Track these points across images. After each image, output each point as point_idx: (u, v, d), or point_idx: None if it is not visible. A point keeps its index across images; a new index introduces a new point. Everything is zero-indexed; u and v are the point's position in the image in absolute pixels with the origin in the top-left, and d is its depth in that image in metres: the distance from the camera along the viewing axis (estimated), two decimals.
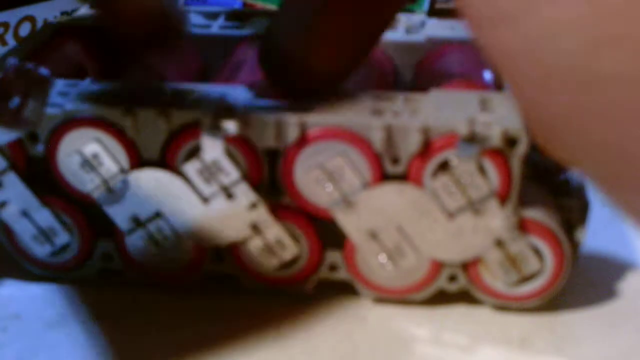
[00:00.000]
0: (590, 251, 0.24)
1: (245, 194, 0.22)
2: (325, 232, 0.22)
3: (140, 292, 0.23)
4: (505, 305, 0.22)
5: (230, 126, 0.21)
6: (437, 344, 0.21)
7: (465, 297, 0.23)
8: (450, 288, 0.22)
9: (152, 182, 0.22)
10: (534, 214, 0.21)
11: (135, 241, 0.23)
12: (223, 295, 0.23)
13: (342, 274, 0.23)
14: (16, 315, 0.23)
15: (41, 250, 0.23)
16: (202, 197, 0.22)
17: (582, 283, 0.23)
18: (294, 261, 0.22)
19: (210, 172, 0.21)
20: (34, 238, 0.23)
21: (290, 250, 0.22)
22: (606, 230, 0.25)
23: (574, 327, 0.22)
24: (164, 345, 0.22)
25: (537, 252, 0.21)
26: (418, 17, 0.27)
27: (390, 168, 0.21)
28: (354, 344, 0.21)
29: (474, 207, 0.21)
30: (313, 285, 0.23)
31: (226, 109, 0.21)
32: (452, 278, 0.22)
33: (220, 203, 0.22)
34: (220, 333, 0.22)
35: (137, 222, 0.22)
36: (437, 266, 0.22)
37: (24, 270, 0.24)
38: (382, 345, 0.21)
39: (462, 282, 0.22)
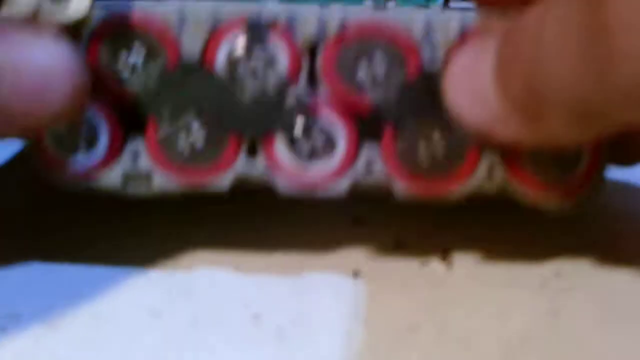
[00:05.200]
0: (591, 251, 0.24)
1: (281, 82, 0.22)
2: (363, 130, 0.22)
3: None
4: (544, 205, 0.22)
5: (272, 18, 0.22)
6: (437, 342, 0.21)
7: (467, 297, 0.23)
8: (489, 185, 0.22)
9: (189, 75, 0.22)
10: None
11: (167, 136, 0.22)
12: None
13: (378, 171, 0.22)
14: (16, 315, 0.23)
15: (67, 151, 0.23)
16: (239, 88, 0.22)
17: (583, 283, 0.23)
18: (330, 155, 0.22)
19: (251, 62, 0.22)
20: (61, 137, 0.23)
21: (328, 141, 0.22)
22: (607, 230, 0.25)
23: (575, 327, 0.22)
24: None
25: None
26: None
27: (428, 63, 0.22)
28: (354, 342, 0.21)
29: None
30: (349, 186, 0.22)
31: (269, 3, 0.22)
32: (491, 171, 0.22)
33: (257, 94, 0.22)
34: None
35: (172, 116, 0.22)
36: (476, 156, 0.22)
37: (23, 270, 0.24)
38: (382, 343, 0.21)
39: (500, 176, 0.22)
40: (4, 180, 0.29)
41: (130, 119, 0.23)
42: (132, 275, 0.24)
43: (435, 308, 0.23)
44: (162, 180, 0.23)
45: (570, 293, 0.23)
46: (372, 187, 0.23)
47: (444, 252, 0.24)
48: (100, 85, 0.22)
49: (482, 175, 0.22)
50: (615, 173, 0.25)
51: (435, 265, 0.24)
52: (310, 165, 0.22)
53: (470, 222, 0.25)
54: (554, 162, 0.22)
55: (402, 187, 0.22)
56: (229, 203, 0.26)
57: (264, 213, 0.26)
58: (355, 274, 0.24)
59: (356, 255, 0.24)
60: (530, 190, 0.22)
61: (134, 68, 0.22)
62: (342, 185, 0.22)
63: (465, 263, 0.24)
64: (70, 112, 0.20)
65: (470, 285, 0.23)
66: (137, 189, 0.23)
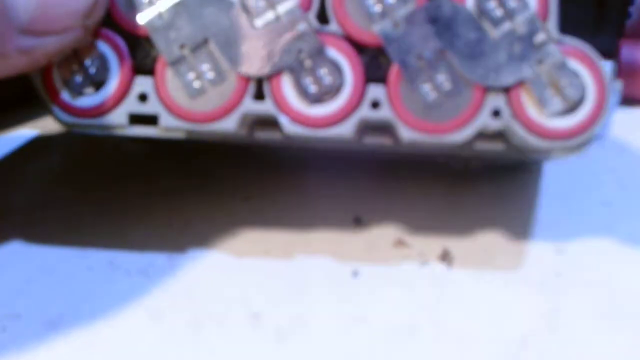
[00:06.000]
0: (591, 251, 0.24)
1: (292, 13, 0.22)
2: (369, 68, 0.22)
3: None
4: (549, 147, 0.22)
5: None
6: (437, 342, 0.21)
7: (467, 297, 0.23)
8: (493, 125, 0.22)
9: (203, 5, 0.22)
10: (574, 41, 0.22)
11: (176, 74, 0.22)
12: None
13: (384, 112, 0.22)
14: (16, 315, 0.23)
15: (75, 89, 0.23)
16: (252, 16, 0.22)
17: (584, 283, 0.23)
18: (336, 93, 0.22)
19: None
20: (71, 74, 0.23)
21: (335, 78, 0.22)
22: (608, 230, 0.25)
23: (574, 328, 0.22)
24: None
25: (578, 78, 0.22)
26: None
27: None
28: (354, 340, 0.22)
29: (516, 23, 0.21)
30: (354, 127, 0.22)
31: None
32: (496, 113, 0.22)
33: (268, 25, 0.22)
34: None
35: (182, 52, 0.22)
36: (480, 98, 0.22)
37: (23, 270, 0.24)
38: (382, 342, 0.21)
39: (505, 118, 0.22)
40: (8, 170, 0.29)
41: (138, 60, 0.23)
42: (132, 275, 0.24)
43: (435, 308, 0.23)
44: (169, 121, 0.23)
45: (570, 293, 0.23)
46: (376, 130, 0.23)
47: (444, 252, 0.24)
48: (115, 19, 0.22)
49: (485, 118, 0.22)
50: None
51: (435, 265, 0.24)
52: (316, 105, 0.22)
53: (470, 222, 0.25)
54: (557, 105, 0.22)
55: (407, 128, 0.22)
56: (230, 201, 0.26)
57: (264, 213, 0.26)
58: (355, 274, 0.24)
59: (356, 255, 0.24)
60: (533, 133, 0.22)
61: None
62: (347, 127, 0.22)
63: (465, 263, 0.24)
64: (89, 15, 0.21)
65: (470, 285, 0.23)
66: (143, 130, 0.23)
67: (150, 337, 0.22)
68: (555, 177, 0.28)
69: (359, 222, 0.26)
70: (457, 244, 0.25)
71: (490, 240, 0.25)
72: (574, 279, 0.23)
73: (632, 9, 0.33)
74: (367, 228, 0.26)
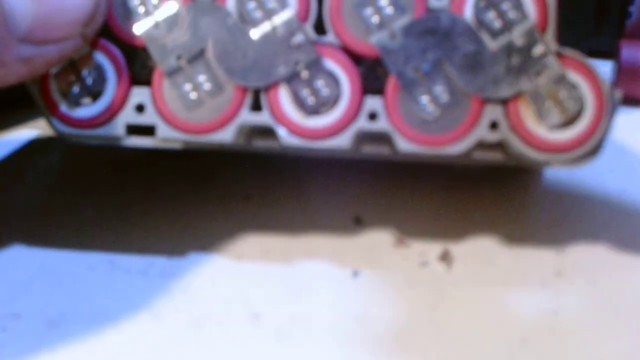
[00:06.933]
0: (591, 251, 0.24)
1: (289, 23, 0.22)
2: (367, 79, 0.22)
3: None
4: (547, 159, 0.22)
5: None
6: (437, 342, 0.21)
7: (467, 297, 0.23)
8: (490, 137, 0.22)
9: (200, 16, 0.22)
10: (573, 52, 0.22)
11: (173, 85, 0.22)
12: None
13: (381, 124, 0.22)
14: (16, 314, 0.23)
15: (72, 100, 0.23)
16: (249, 26, 0.22)
17: (583, 283, 0.23)
18: (333, 104, 0.22)
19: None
20: (68, 85, 0.23)
21: (332, 89, 0.22)
22: (608, 230, 0.25)
23: (574, 328, 0.22)
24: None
25: (577, 91, 0.22)
26: None
27: (435, 2, 0.22)
28: (354, 340, 0.22)
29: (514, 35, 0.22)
30: (352, 138, 0.22)
31: None
32: (494, 125, 0.22)
33: (264, 36, 0.22)
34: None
35: (179, 62, 0.22)
36: (478, 110, 0.22)
37: (24, 270, 0.24)
38: (381, 343, 0.21)
39: (503, 130, 0.22)
40: (8, 170, 0.29)
41: (135, 71, 0.23)
42: (132, 275, 0.24)
43: (435, 308, 0.23)
44: (166, 131, 0.23)
45: (570, 293, 0.23)
46: (374, 139, 0.23)
47: (444, 252, 0.24)
48: (112, 29, 0.22)
49: (483, 130, 0.22)
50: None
51: (435, 265, 0.24)
52: (313, 116, 0.22)
53: (470, 222, 0.25)
54: (556, 117, 0.22)
55: (404, 140, 0.22)
56: (230, 202, 0.26)
57: (264, 213, 0.26)
58: (355, 274, 0.24)
59: (356, 255, 0.24)
60: (531, 145, 0.22)
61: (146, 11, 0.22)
62: (344, 138, 0.22)
63: (465, 263, 0.24)
64: (88, 24, 0.22)
65: (470, 285, 0.23)
66: (141, 141, 0.23)
67: (150, 337, 0.22)
68: (556, 177, 0.28)
69: (359, 222, 0.26)
70: (457, 244, 0.25)
71: (490, 240, 0.25)
72: (574, 279, 0.23)
73: (632, 9, 0.33)
74: (367, 228, 0.26)
